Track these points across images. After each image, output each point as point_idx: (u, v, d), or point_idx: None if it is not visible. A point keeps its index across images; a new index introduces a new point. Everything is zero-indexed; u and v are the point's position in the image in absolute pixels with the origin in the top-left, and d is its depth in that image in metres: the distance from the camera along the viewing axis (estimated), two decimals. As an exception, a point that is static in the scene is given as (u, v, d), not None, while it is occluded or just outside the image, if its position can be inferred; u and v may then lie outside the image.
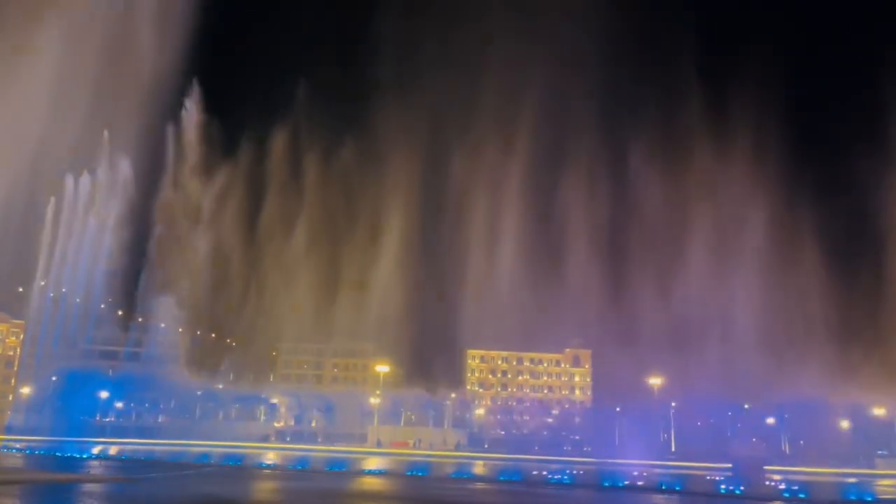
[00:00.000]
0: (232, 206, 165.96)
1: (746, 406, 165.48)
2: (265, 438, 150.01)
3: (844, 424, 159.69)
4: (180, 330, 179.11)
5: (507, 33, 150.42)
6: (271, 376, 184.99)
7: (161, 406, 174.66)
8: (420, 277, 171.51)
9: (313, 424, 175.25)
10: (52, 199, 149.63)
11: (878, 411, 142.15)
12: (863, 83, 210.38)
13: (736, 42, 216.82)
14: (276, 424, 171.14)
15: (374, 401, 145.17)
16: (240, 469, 63.47)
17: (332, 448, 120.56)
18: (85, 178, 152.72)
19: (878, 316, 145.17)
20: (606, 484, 58.90)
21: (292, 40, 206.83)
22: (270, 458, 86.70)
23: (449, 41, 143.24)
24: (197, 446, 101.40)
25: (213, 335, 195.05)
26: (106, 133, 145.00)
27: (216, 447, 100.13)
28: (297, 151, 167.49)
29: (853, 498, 51.57)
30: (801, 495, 52.67)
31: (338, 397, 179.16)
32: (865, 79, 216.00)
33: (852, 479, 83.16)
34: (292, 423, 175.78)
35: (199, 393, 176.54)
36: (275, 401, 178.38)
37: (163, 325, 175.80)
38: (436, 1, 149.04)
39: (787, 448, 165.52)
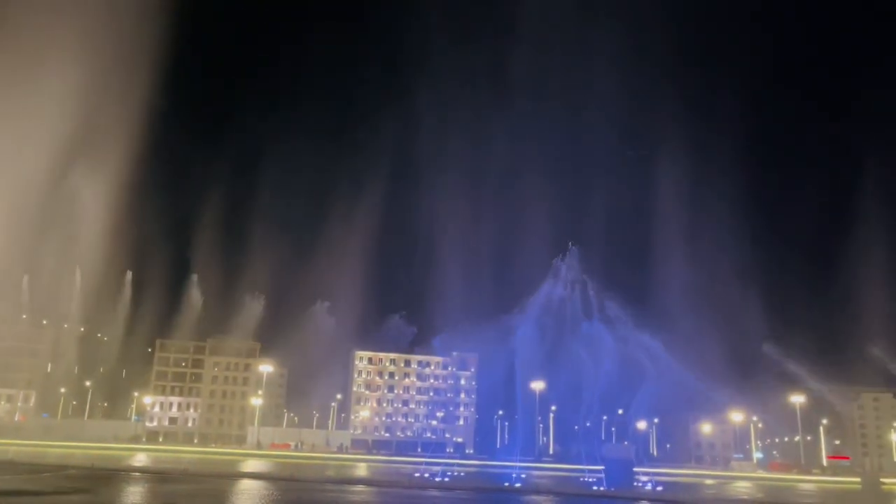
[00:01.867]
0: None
1: (620, 411, 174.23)
2: (136, 439, 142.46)
3: (706, 430, 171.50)
4: (45, 322, 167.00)
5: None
6: (146, 373, 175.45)
7: (20, 403, 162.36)
8: (309, 278, 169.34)
9: (189, 424, 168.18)
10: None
11: (737, 418, 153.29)
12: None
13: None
14: (147, 424, 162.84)
15: (255, 401, 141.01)
16: (104, 472, 59.68)
17: (207, 449, 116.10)
18: None
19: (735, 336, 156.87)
20: (486, 485, 60.58)
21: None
22: (139, 459, 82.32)
23: None
24: (58, 447, 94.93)
25: (83, 328, 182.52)
26: None
27: (80, 448, 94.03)
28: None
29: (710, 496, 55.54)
30: (664, 494, 56.41)
31: (216, 397, 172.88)
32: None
33: (710, 481, 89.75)
34: (166, 423, 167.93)
35: (62, 390, 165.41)
36: (148, 399, 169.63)
37: (24, 316, 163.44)
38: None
39: (655, 451, 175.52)
